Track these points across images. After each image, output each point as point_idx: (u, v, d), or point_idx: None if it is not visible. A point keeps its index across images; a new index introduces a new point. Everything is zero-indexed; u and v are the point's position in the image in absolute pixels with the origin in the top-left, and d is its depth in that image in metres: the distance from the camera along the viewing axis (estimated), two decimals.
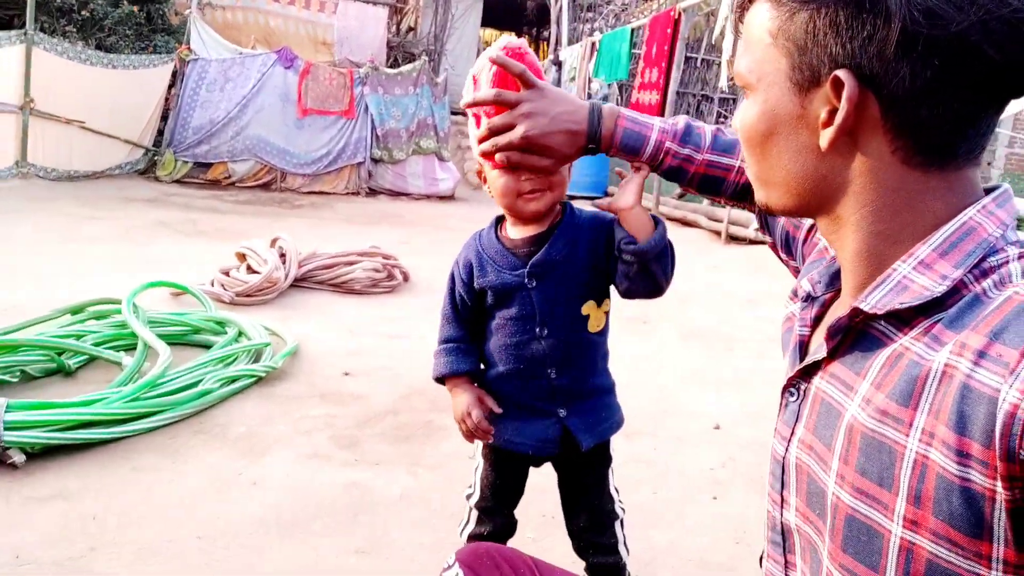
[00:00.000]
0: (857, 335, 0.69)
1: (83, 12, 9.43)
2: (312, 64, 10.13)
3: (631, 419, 1.65)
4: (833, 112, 0.65)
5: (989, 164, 13.27)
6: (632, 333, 4.21)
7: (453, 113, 12.14)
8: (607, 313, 1.54)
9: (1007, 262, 0.62)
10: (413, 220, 8.58)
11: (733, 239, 7.59)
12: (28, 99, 8.27)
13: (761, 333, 4.44)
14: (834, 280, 0.80)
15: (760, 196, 0.76)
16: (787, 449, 0.75)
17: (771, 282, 5.48)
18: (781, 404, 0.78)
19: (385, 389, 3.26)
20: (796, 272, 1.05)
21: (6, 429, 2.29)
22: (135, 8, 9.94)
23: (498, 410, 1.49)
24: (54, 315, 3.51)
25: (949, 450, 0.56)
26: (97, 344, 3.26)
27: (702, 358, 3.96)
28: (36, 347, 3.02)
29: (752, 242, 7.22)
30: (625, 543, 1.72)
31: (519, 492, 1.70)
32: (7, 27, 8.54)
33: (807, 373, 0.74)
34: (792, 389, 0.76)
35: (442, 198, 10.57)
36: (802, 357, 0.78)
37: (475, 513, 1.68)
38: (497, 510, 1.68)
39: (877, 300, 0.66)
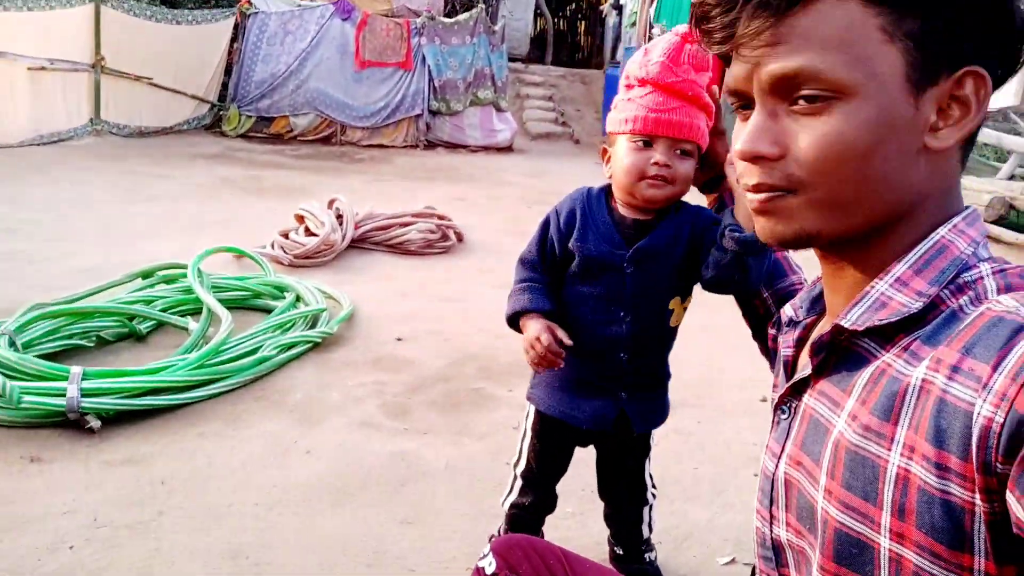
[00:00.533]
0: (843, 353, 0.70)
1: None
2: (369, 15, 10.10)
3: (674, 389, 1.69)
4: (944, 110, 0.64)
5: None
6: None
7: (511, 60, 11.98)
8: (686, 310, 1.57)
9: (981, 278, 0.63)
10: (470, 174, 8.60)
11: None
12: (99, 57, 8.54)
13: None
14: (815, 304, 0.81)
15: (814, 223, 0.67)
16: (777, 465, 0.77)
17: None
18: (773, 421, 0.80)
19: (436, 354, 3.35)
20: None
21: (83, 396, 2.46)
22: None
23: (569, 342, 1.46)
24: (126, 279, 3.71)
25: (929, 463, 0.58)
26: (165, 309, 3.43)
27: (724, 314, 3.91)
28: (110, 313, 3.21)
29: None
30: (650, 523, 1.79)
31: (564, 467, 1.76)
32: None
33: (797, 391, 0.75)
34: (783, 407, 0.77)
35: (500, 150, 10.53)
36: (789, 377, 0.80)
37: (519, 482, 1.74)
38: (541, 482, 1.74)
39: (857, 317, 0.67)
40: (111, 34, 8.57)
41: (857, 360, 0.68)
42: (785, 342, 0.83)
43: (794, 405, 0.76)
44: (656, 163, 1.40)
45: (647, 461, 1.77)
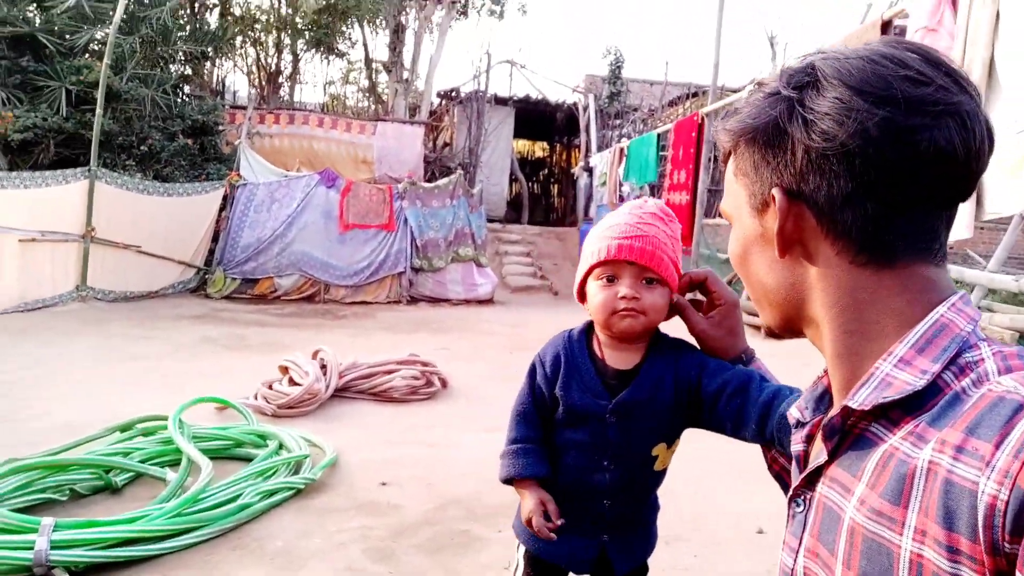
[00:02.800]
0: (854, 439, 0.71)
1: (142, 147, 10.16)
2: (353, 182, 10.65)
3: (670, 522, 1.64)
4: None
5: None
6: None
7: (490, 221, 12.52)
8: (672, 453, 1.54)
9: (983, 360, 0.65)
10: (453, 325, 8.72)
11: (772, 333, 7.51)
12: (90, 228, 8.81)
13: None
14: (819, 403, 0.83)
15: (761, 318, 0.85)
16: (795, 560, 0.76)
17: (813, 375, 5.38)
18: (788, 515, 0.80)
19: (421, 499, 3.25)
20: None
21: (52, 548, 2.35)
22: (189, 141, 10.67)
23: (558, 522, 1.44)
24: (103, 433, 3.64)
25: (940, 547, 0.57)
26: (144, 460, 3.35)
27: (744, 456, 3.86)
28: (85, 465, 3.12)
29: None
30: None
31: None
32: (74, 164, 9.22)
33: (811, 482, 0.76)
34: (798, 500, 0.77)
35: (481, 302, 10.75)
36: (802, 471, 0.81)
37: None
38: None
39: (864, 397, 0.68)
40: (103, 206, 8.90)
41: (865, 443, 0.69)
42: (795, 440, 0.84)
43: (808, 496, 0.76)
44: (624, 297, 1.43)
45: None
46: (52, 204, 8.48)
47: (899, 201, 0.68)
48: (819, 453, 0.75)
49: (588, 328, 1.55)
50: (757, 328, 7.75)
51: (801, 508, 0.76)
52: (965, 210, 4.34)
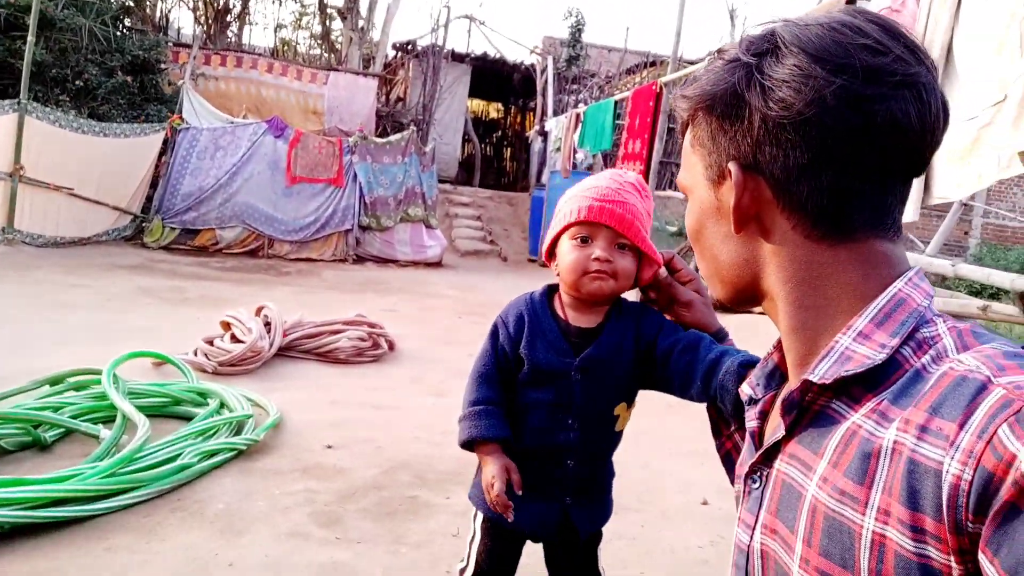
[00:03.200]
0: (813, 415, 0.70)
1: (77, 82, 9.60)
2: (302, 133, 10.31)
3: (618, 495, 1.65)
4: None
5: (967, 234, 13.56)
6: None
7: (441, 182, 12.33)
8: (631, 413, 1.56)
9: (939, 336, 0.65)
10: (400, 287, 8.60)
11: (719, 306, 7.65)
12: (18, 166, 8.33)
13: None
14: (770, 380, 0.83)
15: (712, 292, 0.83)
16: (751, 536, 0.75)
17: (763, 350, 5.49)
18: (744, 492, 0.78)
19: (368, 463, 3.20)
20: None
21: None
22: (129, 79, 10.13)
23: (518, 491, 1.43)
24: (32, 386, 3.46)
25: (904, 527, 0.57)
26: (75, 416, 3.19)
27: (689, 429, 3.93)
28: (11, 420, 2.96)
29: (746, 310, 7.28)
30: None
31: (514, 567, 1.67)
32: (2, 96, 8.66)
33: (768, 458, 0.75)
34: (754, 476, 0.76)
35: (429, 265, 10.63)
36: (758, 447, 0.79)
37: None
38: None
39: (824, 371, 0.67)
40: (34, 144, 8.41)
41: (827, 420, 0.68)
42: (749, 417, 0.83)
43: (765, 473, 0.75)
44: (597, 258, 1.43)
45: (599, 553, 1.70)
46: None
47: (854, 173, 0.67)
48: (776, 429, 0.73)
49: (548, 290, 1.56)
50: None
51: (758, 485, 0.76)
52: (913, 194, 4.44)
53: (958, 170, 4.21)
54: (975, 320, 5.20)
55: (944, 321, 0.67)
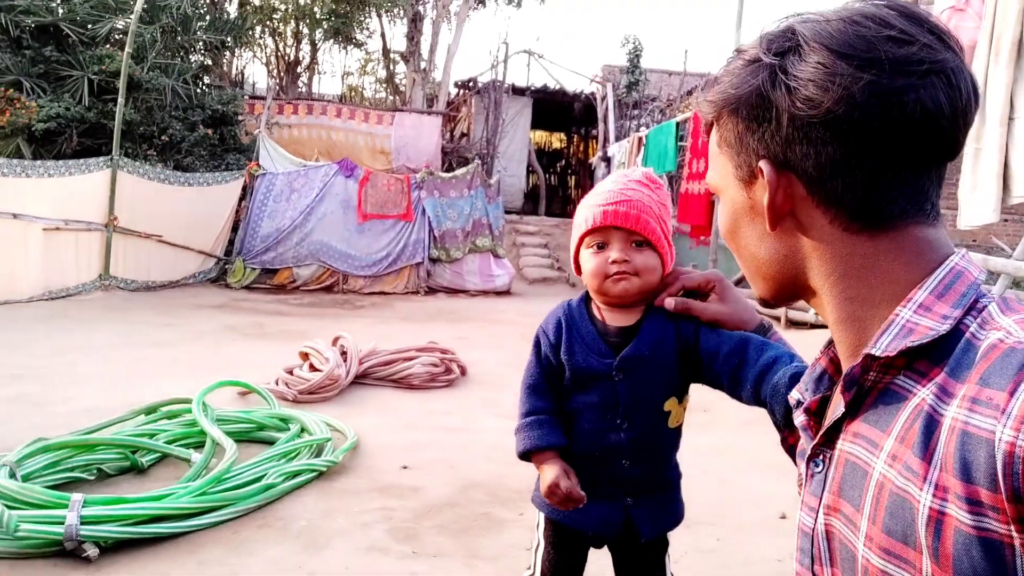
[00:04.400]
0: (880, 392, 0.69)
1: (163, 137, 10.23)
2: (371, 172, 10.67)
3: (692, 508, 1.64)
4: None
5: None
6: (691, 419, 4.14)
7: (507, 213, 12.51)
8: (685, 409, 1.56)
9: (987, 305, 0.66)
10: (470, 316, 8.73)
11: (793, 324, 7.47)
12: (112, 217, 8.91)
13: None
14: (818, 384, 0.82)
15: (754, 290, 0.82)
16: (815, 519, 0.75)
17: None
18: (807, 476, 0.78)
19: (443, 482, 3.27)
20: None
21: (82, 523, 2.38)
22: (209, 131, 10.74)
23: (578, 495, 1.45)
24: (129, 415, 3.68)
25: (961, 500, 0.56)
26: (169, 442, 3.39)
27: (764, 444, 3.85)
28: (112, 445, 3.16)
29: (813, 326, 7.09)
30: None
31: (579, 572, 1.69)
32: (96, 154, 9.31)
33: (829, 440, 0.74)
34: (816, 460, 0.76)
35: (498, 293, 10.76)
36: (813, 438, 0.80)
37: None
38: None
39: (887, 344, 0.67)
40: (125, 196, 8.99)
41: (894, 398, 0.67)
42: (799, 418, 0.83)
43: (828, 455, 0.74)
44: (614, 260, 1.44)
45: (667, 560, 1.70)
46: (75, 193, 8.57)
47: (888, 164, 0.67)
48: (836, 407, 0.73)
49: (586, 295, 1.57)
50: (777, 319, 7.71)
51: (820, 468, 0.75)
52: (992, 194, 4.28)
53: None
54: None
55: (989, 296, 0.68)
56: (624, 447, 1.50)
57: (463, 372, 5.33)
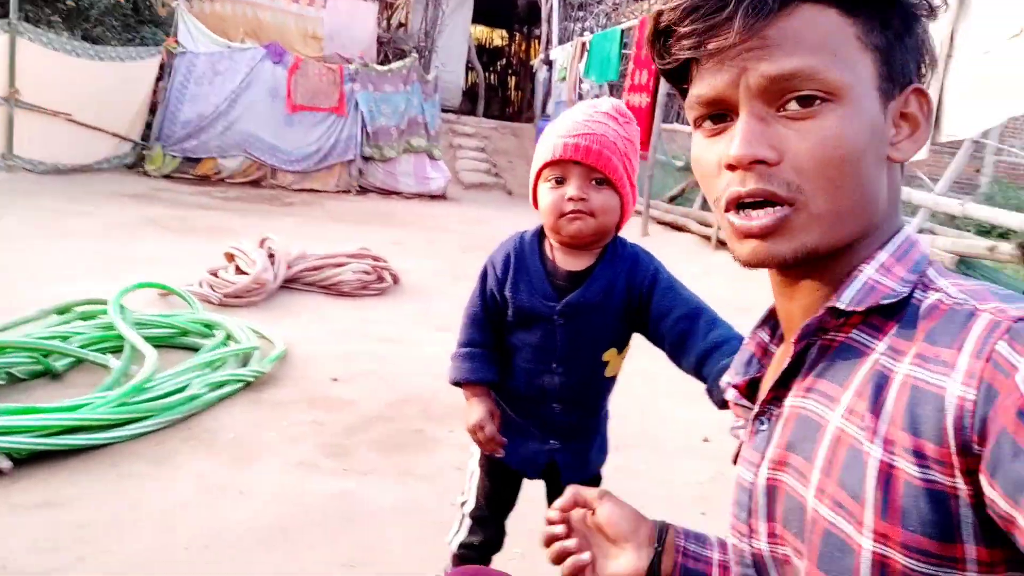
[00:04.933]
0: (837, 347, 0.69)
1: (68, 2, 9.32)
2: (301, 60, 10.07)
3: (619, 431, 1.67)
4: (897, 125, 0.68)
5: (978, 171, 13.39)
6: None
7: (444, 111, 12.12)
8: (624, 359, 1.54)
9: (927, 271, 0.68)
10: (404, 220, 8.56)
11: (723, 244, 7.62)
12: (13, 89, 8.16)
13: None
14: (747, 367, 0.82)
15: (815, 237, 0.66)
16: (756, 473, 0.74)
17: (760, 289, 5.50)
18: (749, 432, 0.77)
19: (375, 395, 3.25)
20: None
21: None
22: None
23: (495, 440, 1.48)
24: (40, 315, 3.48)
25: (909, 454, 0.58)
26: (84, 346, 3.23)
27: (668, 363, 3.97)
28: (22, 348, 2.99)
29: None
30: None
31: (512, 503, 1.72)
32: None
33: (777, 398, 0.74)
34: (762, 418, 0.75)
35: (433, 197, 10.55)
36: (750, 398, 0.80)
37: (468, 521, 1.69)
38: (490, 520, 1.69)
39: (851, 297, 0.66)
40: (27, 67, 8.21)
41: (851, 352, 0.67)
42: (729, 393, 0.83)
43: (775, 412, 0.74)
44: (571, 198, 1.38)
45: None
46: None
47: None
48: (783, 362, 0.73)
49: (540, 231, 1.52)
50: (707, 239, 7.85)
51: (765, 426, 0.74)
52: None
53: (970, 106, 4.13)
54: (981, 261, 5.19)
55: (933, 266, 0.70)
56: (556, 391, 1.49)
57: (396, 281, 5.25)
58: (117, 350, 3.27)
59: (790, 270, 0.71)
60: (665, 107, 8.55)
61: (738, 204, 0.66)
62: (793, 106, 0.64)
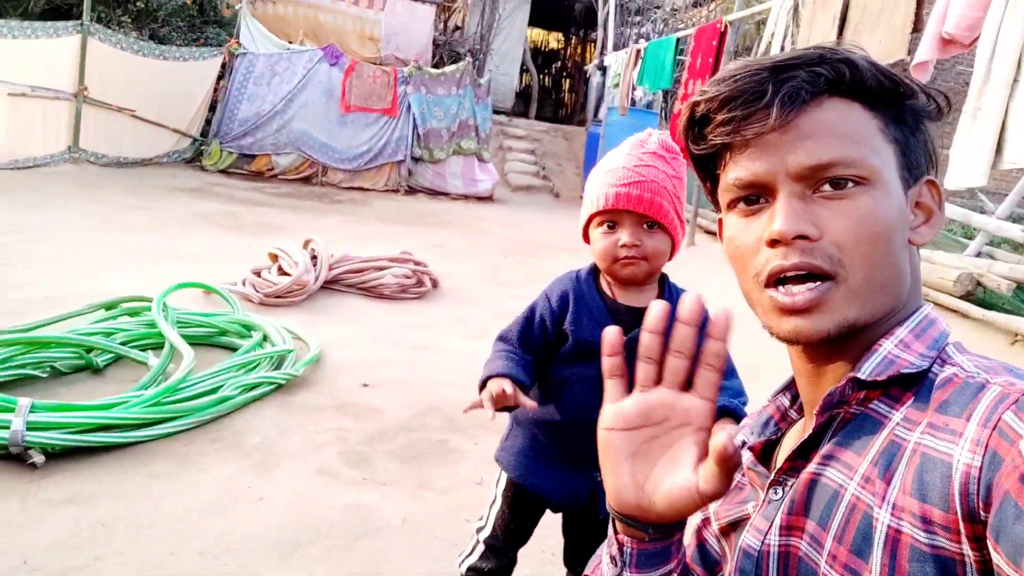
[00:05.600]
0: (854, 418, 0.70)
1: (138, 3, 9.66)
2: (357, 62, 10.23)
3: None
4: (913, 213, 0.73)
5: None
6: None
7: (496, 113, 12.15)
8: None
9: (946, 347, 0.71)
10: (449, 221, 8.62)
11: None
12: (82, 87, 8.50)
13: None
14: (764, 428, 0.83)
15: (854, 311, 0.68)
16: (764, 540, 0.74)
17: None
18: (763, 502, 0.77)
19: (402, 403, 3.28)
20: None
21: (29, 429, 2.36)
22: (188, 0, 10.15)
23: (533, 404, 1.42)
24: (87, 310, 3.61)
25: (916, 519, 0.58)
26: (126, 343, 3.34)
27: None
28: (66, 344, 3.10)
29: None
30: None
31: (529, 535, 1.71)
32: (66, 17, 8.78)
33: (794, 468, 0.74)
34: (776, 487, 0.75)
35: (480, 199, 10.60)
36: (768, 472, 0.79)
37: (481, 547, 1.69)
38: (505, 549, 1.69)
39: (871, 369, 0.68)
40: (96, 65, 8.55)
41: (870, 422, 0.68)
42: (744, 455, 0.83)
43: (789, 483, 0.74)
44: (624, 245, 1.43)
45: None
46: (43, 58, 8.14)
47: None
48: (804, 432, 0.74)
49: (595, 269, 1.55)
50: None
51: (779, 495, 0.74)
52: (983, 156, 4.19)
53: None
54: None
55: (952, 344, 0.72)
56: None
57: (435, 285, 5.29)
58: (158, 347, 3.37)
59: (820, 347, 0.72)
60: None
61: (779, 280, 0.69)
62: (827, 188, 0.68)
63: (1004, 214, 5.42)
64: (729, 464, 0.65)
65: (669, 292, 1.53)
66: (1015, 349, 4.61)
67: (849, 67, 0.69)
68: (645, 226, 1.44)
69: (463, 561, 1.71)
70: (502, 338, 1.56)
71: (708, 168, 0.77)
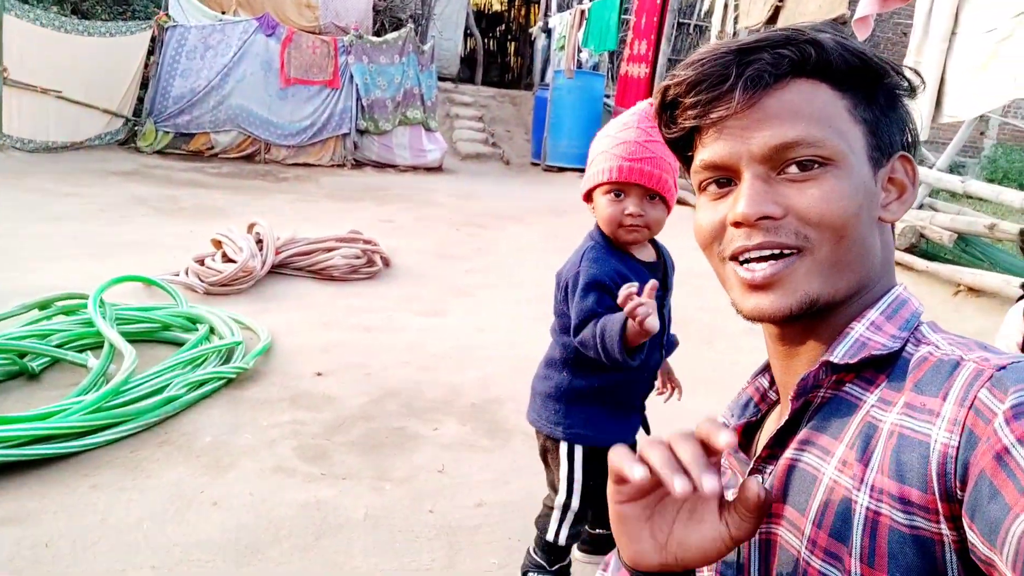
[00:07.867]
0: (828, 402, 0.71)
1: None
2: (294, 31, 9.89)
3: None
4: (886, 190, 0.73)
5: (983, 134, 13.15)
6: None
7: (441, 80, 11.92)
8: None
9: (920, 327, 0.72)
10: (399, 194, 8.46)
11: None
12: (1, 68, 8.05)
13: (743, 323, 4.38)
14: (744, 410, 0.84)
15: (818, 287, 0.69)
16: None
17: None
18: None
19: (357, 390, 3.21)
20: None
21: None
22: None
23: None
24: (19, 311, 3.44)
25: (895, 501, 0.59)
26: (62, 344, 3.19)
27: (678, 352, 3.91)
28: None
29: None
30: None
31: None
32: None
33: (773, 455, 0.75)
34: (756, 475, 0.75)
35: (429, 169, 10.43)
36: (744, 448, 0.82)
37: (570, 516, 1.79)
38: (586, 514, 1.81)
39: (843, 352, 0.68)
40: (15, 44, 8.09)
41: (845, 406, 0.69)
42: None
43: (768, 470, 0.75)
44: (630, 214, 1.60)
45: None
46: None
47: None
48: (780, 419, 0.74)
49: (600, 236, 1.69)
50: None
51: (761, 480, 0.76)
52: (924, 110, 4.24)
53: (971, 86, 4.00)
54: (982, 238, 5.09)
55: (927, 323, 0.73)
56: (656, 364, 1.78)
57: (386, 263, 5.19)
58: (97, 347, 3.23)
59: (788, 327, 0.74)
60: (664, 77, 8.37)
61: (743, 260, 0.71)
62: (793, 170, 0.69)
63: (943, 165, 5.53)
64: (764, 510, 0.64)
65: (659, 249, 1.78)
66: (958, 299, 4.74)
67: (815, 48, 0.68)
68: (649, 198, 1.62)
69: (555, 534, 1.78)
70: (589, 321, 1.59)
71: (683, 151, 0.78)
